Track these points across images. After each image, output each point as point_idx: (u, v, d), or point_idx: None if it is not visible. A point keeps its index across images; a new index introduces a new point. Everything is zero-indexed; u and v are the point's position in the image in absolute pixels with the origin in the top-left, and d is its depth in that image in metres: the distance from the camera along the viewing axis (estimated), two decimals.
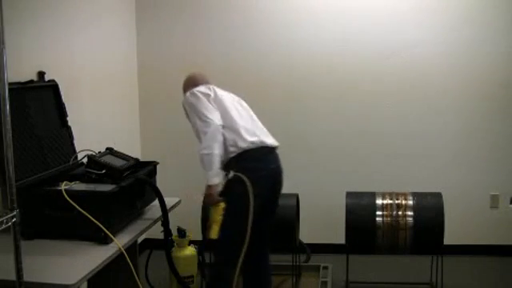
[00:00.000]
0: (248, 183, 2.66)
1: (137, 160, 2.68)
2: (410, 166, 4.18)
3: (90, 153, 2.56)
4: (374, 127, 4.15)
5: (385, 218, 3.38)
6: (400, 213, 3.38)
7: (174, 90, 4.33)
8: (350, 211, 3.39)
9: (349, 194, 3.45)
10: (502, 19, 4.00)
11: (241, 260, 2.68)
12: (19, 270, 1.69)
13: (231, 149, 2.74)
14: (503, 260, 4.09)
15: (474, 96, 4.10)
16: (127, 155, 2.68)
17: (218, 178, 2.70)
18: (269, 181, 2.81)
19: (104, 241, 2.18)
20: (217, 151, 2.67)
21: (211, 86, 2.93)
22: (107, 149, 2.69)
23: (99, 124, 3.52)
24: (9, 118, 1.63)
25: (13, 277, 1.70)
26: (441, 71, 4.10)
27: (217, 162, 2.68)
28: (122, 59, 4.07)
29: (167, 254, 2.64)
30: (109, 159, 2.52)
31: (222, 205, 2.74)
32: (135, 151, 3.97)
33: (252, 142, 2.75)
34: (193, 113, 2.80)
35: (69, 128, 2.86)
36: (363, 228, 3.38)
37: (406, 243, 3.37)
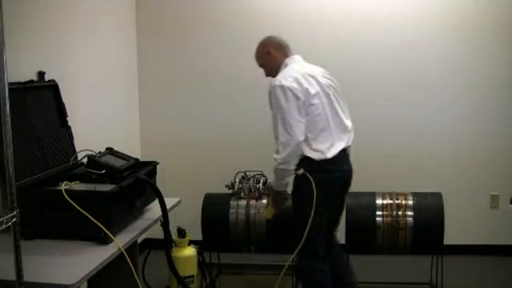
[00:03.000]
0: (314, 184, 2.73)
1: (137, 160, 2.68)
2: (410, 166, 4.18)
3: (90, 153, 2.55)
4: (374, 127, 4.14)
5: (385, 218, 3.38)
6: (400, 213, 3.38)
7: (174, 90, 4.36)
8: (349, 211, 3.39)
9: (349, 194, 3.44)
10: (503, 20, 4.00)
11: (316, 250, 2.84)
12: (19, 270, 1.69)
13: (305, 147, 2.77)
14: (503, 260, 4.09)
15: (474, 96, 4.11)
16: (127, 155, 2.68)
17: (285, 187, 2.85)
18: (337, 182, 2.87)
19: (104, 241, 2.18)
20: (292, 167, 2.76)
21: (299, 76, 2.76)
22: (107, 149, 2.69)
23: (99, 124, 3.52)
24: (9, 118, 1.63)
25: (13, 277, 1.70)
26: (441, 72, 4.10)
27: (289, 176, 2.80)
28: (122, 59, 4.07)
29: (167, 254, 2.64)
30: (109, 159, 2.52)
31: (270, 209, 3.03)
32: (135, 151, 3.97)
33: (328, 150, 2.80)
34: (277, 112, 2.73)
35: (69, 128, 2.86)
36: (363, 228, 3.38)
37: (406, 243, 3.37)
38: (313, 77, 2.83)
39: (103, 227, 2.16)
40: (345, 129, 2.89)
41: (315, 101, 2.77)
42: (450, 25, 4.04)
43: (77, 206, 2.17)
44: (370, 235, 3.36)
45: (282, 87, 2.72)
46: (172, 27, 4.27)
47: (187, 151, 4.38)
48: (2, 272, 1.83)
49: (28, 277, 1.73)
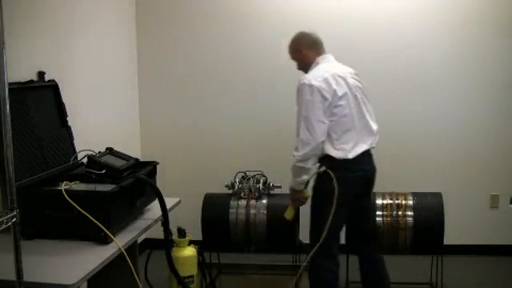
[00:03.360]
0: (335, 182, 2.73)
1: (137, 160, 2.68)
2: (409, 166, 4.18)
3: (90, 153, 2.55)
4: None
5: (385, 218, 3.38)
6: (400, 213, 3.38)
7: (175, 90, 4.36)
8: None
9: None
10: (503, 19, 4.00)
11: (330, 249, 2.84)
12: (19, 270, 1.69)
13: (327, 146, 2.78)
14: (503, 260, 4.09)
15: (474, 97, 4.11)
16: (127, 155, 2.68)
17: (302, 186, 2.85)
18: (359, 181, 2.87)
19: (104, 241, 2.18)
20: (309, 165, 2.76)
21: (329, 76, 2.78)
22: (107, 149, 2.68)
23: (99, 124, 3.52)
24: (9, 118, 1.63)
25: (13, 277, 1.70)
26: (441, 72, 4.10)
27: (306, 175, 2.80)
28: (122, 59, 4.07)
29: (167, 254, 2.64)
30: (109, 159, 2.52)
31: (306, 192, 2.92)
32: (135, 151, 3.97)
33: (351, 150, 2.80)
34: (302, 109, 2.75)
35: (69, 128, 2.85)
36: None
37: (406, 243, 3.37)
38: (342, 78, 2.84)
39: (103, 227, 2.16)
40: (370, 131, 2.90)
41: (342, 102, 2.78)
42: (451, 24, 4.04)
43: (77, 206, 2.16)
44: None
45: (311, 86, 2.74)
46: (172, 26, 4.27)
47: (187, 151, 4.38)
48: (2, 272, 1.82)
49: (28, 277, 1.73)
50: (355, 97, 2.87)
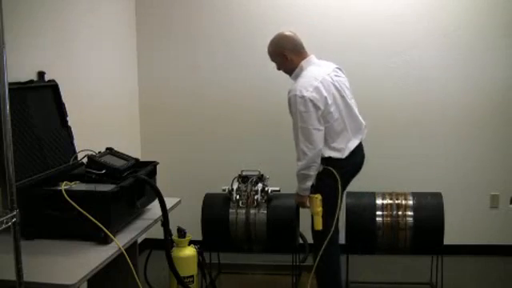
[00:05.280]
0: (338, 177, 2.95)
1: (137, 160, 2.68)
2: (410, 166, 4.18)
3: (90, 153, 2.56)
4: (374, 127, 4.12)
5: (385, 218, 3.38)
6: (400, 213, 3.38)
7: (175, 90, 4.36)
8: (350, 211, 3.40)
9: (349, 194, 3.45)
10: (503, 20, 4.00)
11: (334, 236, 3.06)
12: (19, 270, 1.69)
13: (325, 149, 2.95)
14: (503, 260, 4.09)
15: (474, 96, 4.10)
16: (127, 155, 2.68)
17: (307, 192, 2.99)
18: (353, 171, 3.14)
19: (104, 241, 2.18)
20: (313, 173, 2.92)
21: (319, 84, 2.88)
22: (107, 149, 2.69)
23: (99, 124, 3.52)
24: (9, 118, 1.63)
25: (13, 277, 1.70)
26: (441, 72, 4.09)
27: (310, 181, 2.94)
28: (121, 59, 4.07)
29: (167, 254, 2.64)
30: (109, 159, 2.52)
31: (319, 197, 3.00)
32: (135, 151, 3.97)
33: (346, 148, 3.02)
34: (298, 121, 2.87)
35: (69, 128, 2.86)
36: (363, 228, 3.38)
37: (406, 243, 3.37)
38: (329, 81, 2.96)
39: (103, 227, 2.16)
40: (360, 127, 3.13)
41: (333, 107, 2.93)
42: (450, 24, 4.04)
43: (77, 206, 2.16)
44: (370, 235, 3.36)
45: (303, 97, 2.83)
46: (173, 26, 4.27)
47: (187, 151, 4.37)
48: (2, 272, 1.83)
49: (28, 277, 1.73)
50: (343, 97, 3.00)
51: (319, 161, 2.92)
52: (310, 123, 2.83)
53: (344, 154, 2.99)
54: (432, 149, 4.18)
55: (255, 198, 3.48)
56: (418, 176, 4.14)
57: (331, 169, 2.95)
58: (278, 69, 3.13)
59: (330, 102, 2.89)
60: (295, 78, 3.00)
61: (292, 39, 3.05)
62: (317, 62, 3.06)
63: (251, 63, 4.19)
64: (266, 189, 3.52)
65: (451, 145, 4.17)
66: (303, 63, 3.01)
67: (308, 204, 3.06)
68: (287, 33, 3.07)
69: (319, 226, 3.02)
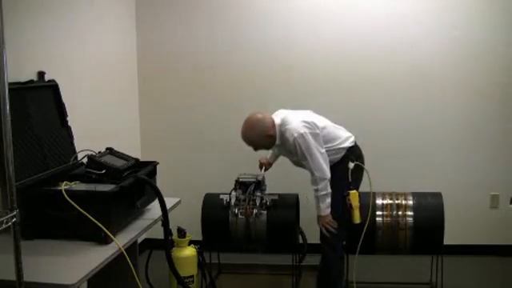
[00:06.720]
0: (348, 159, 3.20)
1: (137, 160, 2.68)
2: (410, 166, 4.18)
3: (90, 153, 2.56)
4: (374, 127, 4.14)
5: (385, 218, 3.38)
6: (400, 213, 3.38)
7: (174, 90, 4.36)
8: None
9: None
10: (501, 17, 4.00)
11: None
12: (19, 270, 1.69)
13: (336, 156, 3.18)
14: (503, 260, 4.10)
15: (474, 96, 4.10)
16: (127, 155, 2.68)
17: (329, 209, 3.12)
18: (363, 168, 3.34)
19: (104, 241, 2.18)
20: (330, 189, 3.10)
21: (312, 121, 3.11)
22: (107, 149, 2.69)
23: (99, 124, 3.52)
24: (9, 118, 1.64)
25: (13, 277, 1.70)
26: (441, 71, 4.10)
27: (329, 196, 3.11)
28: (121, 59, 4.07)
29: (167, 254, 2.64)
30: (109, 159, 2.52)
31: (356, 192, 3.15)
32: (135, 151, 3.97)
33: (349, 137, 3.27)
34: (307, 154, 3.06)
35: (69, 128, 2.86)
36: (363, 228, 3.37)
37: (406, 243, 3.37)
38: (304, 112, 3.23)
39: (103, 227, 2.16)
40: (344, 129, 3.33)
41: (322, 125, 3.17)
42: (450, 23, 4.04)
43: (77, 206, 2.17)
44: (370, 235, 3.36)
45: (302, 135, 3.05)
46: (173, 25, 4.26)
47: (187, 151, 4.37)
48: (2, 272, 1.83)
49: (28, 277, 1.73)
50: (323, 120, 3.26)
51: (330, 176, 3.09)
52: (315, 153, 3.05)
53: (350, 140, 3.24)
54: (432, 149, 4.18)
55: (254, 211, 3.45)
56: (417, 176, 4.14)
57: (360, 164, 3.22)
58: (256, 149, 3.26)
59: (319, 125, 3.12)
60: (283, 135, 3.13)
61: (263, 117, 3.17)
62: (283, 112, 3.23)
63: (254, 62, 4.20)
64: (264, 200, 3.49)
65: (451, 145, 4.17)
66: (277, 120, 3.15)
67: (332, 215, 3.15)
68: (257, 116, 3.18)
69: (358, 219, 3.15)
